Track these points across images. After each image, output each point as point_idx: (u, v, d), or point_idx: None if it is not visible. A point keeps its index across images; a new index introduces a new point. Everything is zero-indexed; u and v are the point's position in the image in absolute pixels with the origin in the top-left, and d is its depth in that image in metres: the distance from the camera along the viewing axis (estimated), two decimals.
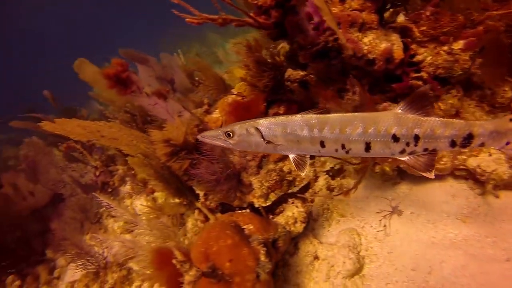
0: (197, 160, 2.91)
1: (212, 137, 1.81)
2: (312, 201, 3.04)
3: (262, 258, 1.98)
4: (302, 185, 2.90)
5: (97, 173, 5.02)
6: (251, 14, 2.05)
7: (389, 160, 2.52)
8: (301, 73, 3.25)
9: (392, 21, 2.20)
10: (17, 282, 4.54)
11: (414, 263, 2.30)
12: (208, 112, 3.59)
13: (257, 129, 1.71)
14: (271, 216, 2.61)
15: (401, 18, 2.65)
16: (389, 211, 2.69)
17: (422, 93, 1.48)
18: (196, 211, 3.25)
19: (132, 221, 2.93)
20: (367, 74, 2.36)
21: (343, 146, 1.62)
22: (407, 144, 1.53)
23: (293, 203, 2.61)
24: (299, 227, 2.57)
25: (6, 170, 8.94)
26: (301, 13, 1.98)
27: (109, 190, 5.10)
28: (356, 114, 1.64)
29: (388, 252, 2.49)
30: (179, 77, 4.39)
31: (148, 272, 2.61)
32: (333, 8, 2.01)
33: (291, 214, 2.58)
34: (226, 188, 2.89)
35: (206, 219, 3.13)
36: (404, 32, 2.17)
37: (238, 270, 1.87)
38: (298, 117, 1.65)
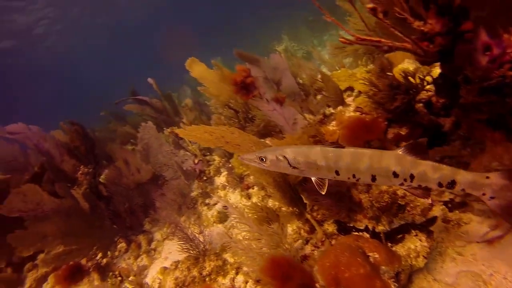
0: None
1: (250, 160, 2.20)
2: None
3: None
4: (427, 217, 2.72)
5: (196, 161, 5.40)
6: (415, 39, 1.93)
7: None
8: (428, 93, 3.04)
9: None
10: (124, 245, 5.18)
11: None
12: (322, 122, 3.57)
13: (285, 157, 2.06)
14: (389, 244, 2.51)
15: None
16: None
17: (420, 142, 1.80)
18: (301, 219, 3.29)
19: (244, 222, 3.03)
20: None
21: (354, 176, 1.93)
22: (405, 180, 1.83)
23: (416, 235, 2.47)
24: (420, 262, 2.44)
25: (111, 141, 10.23)
26: (476, 43, 1.81)
27: (205, 178, 5.46)
28: (365, 151, 1.91)
29: None
30: (287, 80, 4.42)
31: (259, 276, 2.71)
32: None
33: (414, 247, 2.44)
34: (337, 206, 2.86)
35: (311, 230, 3.15)
36: None
37: None
38: (318, 149, 1.98)
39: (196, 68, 5.26)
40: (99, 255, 5.04)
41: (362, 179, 1.94)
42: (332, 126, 3.36)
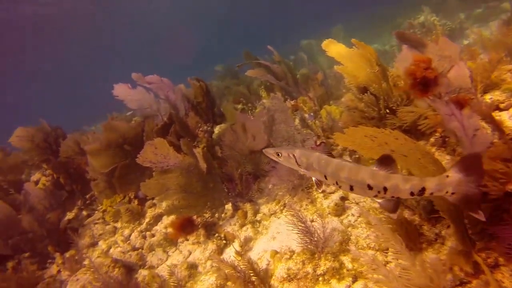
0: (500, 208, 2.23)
1: (270, 154, 2.58)
2: None
3: None
4: None
5: (318, 143, 5.00)
6: None
7: None
8: None
9: None
10: (230, 210, 5.29)
11: None
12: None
13: (293, 155, 2.40)
14: None
15: None
16: None
17: (390, 157, 2.02)
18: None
19: (387, 241, 2.54)
20: None
21: (336, 183, 2.22)
22: (379, 192, 2.04)
23: None
24: None
25: (223, 97, 10.56)
26: None
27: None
28: (347, 163, 2.16)
29: None
30: (457, 72, 3.52)
31: None
32: None
33: None
34: None
35: (476, 272, 2.52)
36: None
37: None
38: (316, 154, 2.29)
39: (334, 48, 4.73)
40: (208, 214, 5.25)
41: (342, 187, 2.21)
42: None
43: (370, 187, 2.03)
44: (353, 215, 4.19)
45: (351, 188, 2.14)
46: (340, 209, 4.29)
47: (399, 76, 4.49)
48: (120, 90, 5.82)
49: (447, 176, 1.88)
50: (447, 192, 1.91)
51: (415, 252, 3.03)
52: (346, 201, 4.44)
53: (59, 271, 5.57)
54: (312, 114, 6.13)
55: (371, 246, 3.51)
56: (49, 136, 7.85)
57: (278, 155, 2.51)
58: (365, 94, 4.33)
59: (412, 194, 1.96)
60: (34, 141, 7.47)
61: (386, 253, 3.42)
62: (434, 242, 2.99)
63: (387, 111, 4.47)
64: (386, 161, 2.00)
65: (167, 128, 5.66)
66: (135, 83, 6.24)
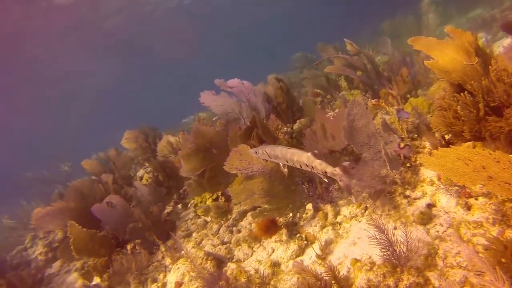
0: None
1: (251, 152, 3.80)
2: None
3: None
4: None
5: (402, 145, 4.72)
6: None
7: None
8: None
9: None
10: (311, 211, 5.40)
11: None
12: None
13: (265, 151, 3.55)
14: None
15: None
16: None
17: (317, 153, 3.28)
18: None
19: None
20: None
21: (293, 164, 3.38)
22: (311, 168, 3.23)
23: None
24: None
25: (301, 88, 10.53)
26: None
27: (408, 165, 4.77)
28: (296, 151, 3.32)
29: None
30: None
31: None
32: None
33: None
34: None
35: None
36: None
37: None
38: (279, 148, 3.44)
39: (420, 42, 4.42)
40: (290, 215, 5.45)
41: (296, 165, 3.35)
42: None
43: (306, 166, 3.23)
44: (441, 225, 3.91)
45: (301, 167, 3.31)
46: (426, 218, 4.04)
47: (505, 69, 3.94)
48: (206, 97, 6.34)
49: (335, 170, 3.07)
50: (337, 179, 3.12)
51: None
52: (434, 208, 4.16)
53: (163, 257, 6.50)
54: (401, 109, 5.74)
55: (462, 265, 3.25)
56: (148, 137, 9.02)
57: (256, 152, 3.65)
58: (462, 94, 3.91)
59: (322, 173, 3.19)
60: (138, 141, 8.68)
61: (482, 275, 3.13)
62: None
63: (487, 109, 3.99)
64: (316, 154, 3.25)
65: (250, 132, 5.96)
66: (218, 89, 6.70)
